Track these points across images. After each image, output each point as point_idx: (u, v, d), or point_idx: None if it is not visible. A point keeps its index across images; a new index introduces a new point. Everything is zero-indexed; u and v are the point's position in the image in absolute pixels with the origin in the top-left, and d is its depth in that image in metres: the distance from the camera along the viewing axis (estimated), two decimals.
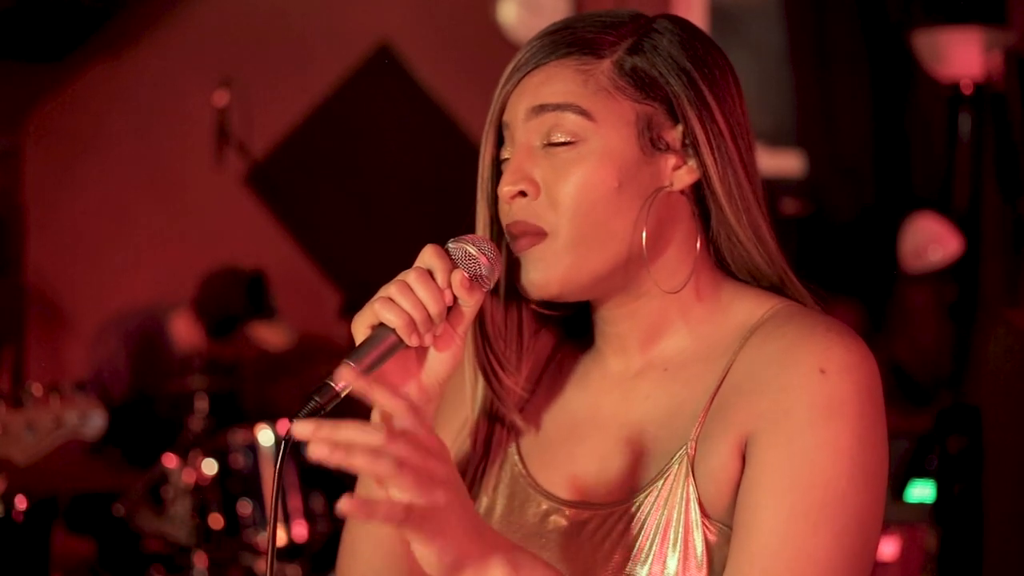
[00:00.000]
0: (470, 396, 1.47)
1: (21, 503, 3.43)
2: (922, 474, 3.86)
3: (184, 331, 4.77)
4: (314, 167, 5.46)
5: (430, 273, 1.33)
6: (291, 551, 4.22)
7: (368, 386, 1.20)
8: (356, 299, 4.80)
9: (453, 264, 1.34)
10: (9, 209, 5.33)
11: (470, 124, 5.35)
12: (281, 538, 4.23)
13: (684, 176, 1.38)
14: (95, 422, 3.33)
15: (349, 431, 1.15)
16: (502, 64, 1.42)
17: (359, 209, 5.45)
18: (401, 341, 1.31)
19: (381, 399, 1.19)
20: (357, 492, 1.40)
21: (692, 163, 1.38)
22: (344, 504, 1.13)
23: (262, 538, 4.22)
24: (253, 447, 4.27)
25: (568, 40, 1.38)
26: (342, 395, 1.27)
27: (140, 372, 4.67)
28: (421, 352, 1.36)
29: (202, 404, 4.15)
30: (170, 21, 5.37)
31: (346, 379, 1.25)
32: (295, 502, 4.27)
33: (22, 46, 5.23)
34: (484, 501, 1.45)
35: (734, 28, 5.54)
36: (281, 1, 5.49)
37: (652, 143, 1.36)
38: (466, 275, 1.33)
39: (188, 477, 4.05)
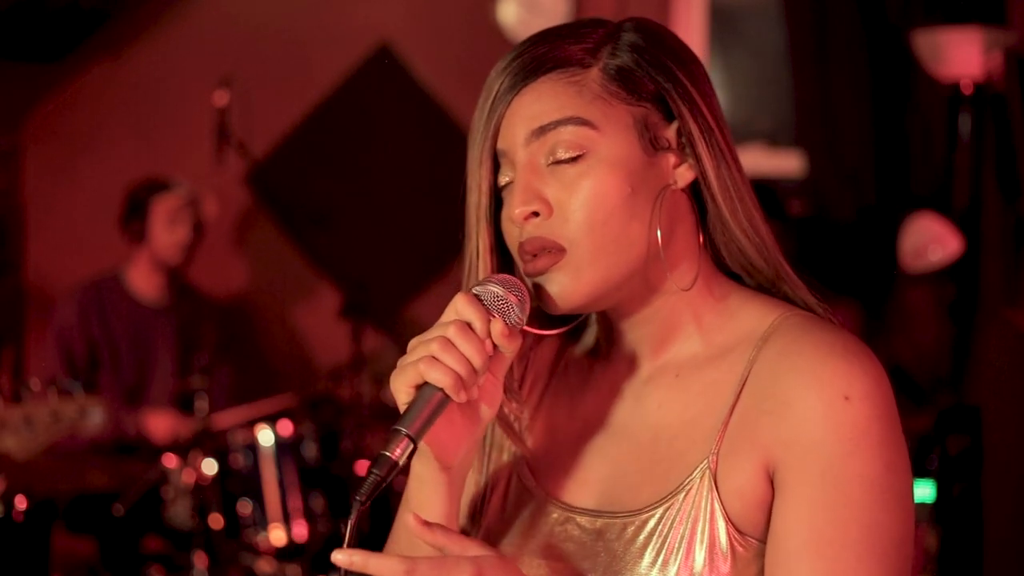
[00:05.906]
0: None
1: (21, 503, 3.43)
2: (922, 474, 3.85)
3: (141, 279, 4.74)
4: (314, 167, 5.46)
5: (468, 325, 1.29)
6: (291, 551, 4.22)
7: (435, 536, 1.25)
8: (356, 299, 4.82)
9: (488, 312, 1.30)
10: (9, 209, 5.33)
11: (470, 124, 5.34)
12: (281, 538, 4.23)
13: (685, 173, 1.38)
14: (94, 417, 3.33)
15: (377, 564, 1.21)
16: None
17: (359, 209, 5.45)
18: (448, 398, 1.27)
19: (440, 542, 1.26)
20: None
21: (690, 160, 1.38)
22: None
23: (262, 538, 4.23)
24: (253, 447, 4.27)
25: (550, 56, 1.36)
26: (400, 463, 1.25)
27: (95, 325, 4.64)
28: (464, 404, 1.32)
29: (202, 404, 4.14)
30: (170, 21, 5.37)
31: (402, 450, 1.26)
32: (295, 502, 4.27)
33: (22, 46, 5.23)
34: (492, 519, 1.44)
35: (734, 28, 5.53)
36: (281, 1, 5.49)
37: (652, 143, 1.36)
38: (505, 324, 1.30)
39: (188, 477, 4.05)
